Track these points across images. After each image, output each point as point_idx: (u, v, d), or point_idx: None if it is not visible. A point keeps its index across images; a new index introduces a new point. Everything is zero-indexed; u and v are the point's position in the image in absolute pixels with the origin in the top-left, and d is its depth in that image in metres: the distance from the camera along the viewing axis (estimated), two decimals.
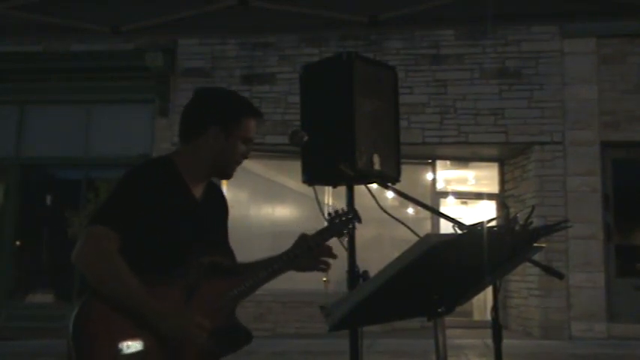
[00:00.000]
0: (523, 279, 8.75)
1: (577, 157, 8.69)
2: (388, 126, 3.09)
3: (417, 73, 8.92)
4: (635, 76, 8.76)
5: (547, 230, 1.93)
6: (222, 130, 2.25)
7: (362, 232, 2.74)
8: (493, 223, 1.74)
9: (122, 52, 9.07)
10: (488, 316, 2.26)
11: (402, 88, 3.43)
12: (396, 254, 1.64)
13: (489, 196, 10.37)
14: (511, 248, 1.87)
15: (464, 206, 10.94)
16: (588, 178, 8.65)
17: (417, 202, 2.58)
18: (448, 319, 1.95)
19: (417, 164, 9.72)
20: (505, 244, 1.81)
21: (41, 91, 9.77)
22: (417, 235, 1.92)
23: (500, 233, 1.76)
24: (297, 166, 3.04)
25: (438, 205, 9.82)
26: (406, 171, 3.24)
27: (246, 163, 2.49)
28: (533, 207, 2.10)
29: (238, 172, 2.40)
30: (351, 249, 2.86)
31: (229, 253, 2.31)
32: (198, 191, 2.29)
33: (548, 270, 2.22)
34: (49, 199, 10.28)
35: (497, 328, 2.18)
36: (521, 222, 1.78)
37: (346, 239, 2.74)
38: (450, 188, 10.65)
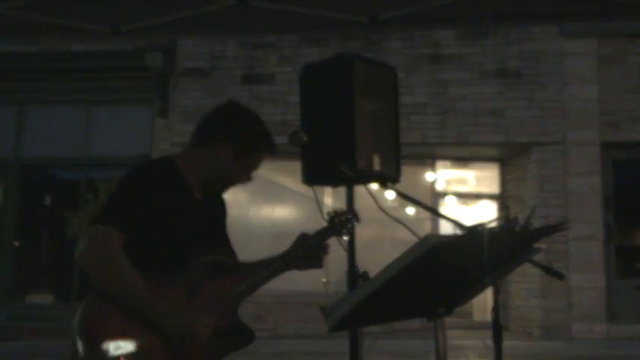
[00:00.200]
0: (523, 280, 8.73)
1: (577, 157, 8.68)
2: (388, 126, 3.08)
3: (417, 73, 8.92)
4: (635, 76, 8.75)
5: (547, 231, 1.93)
6: (231, 151, 2.24)
7: (362, 233, 2.73)
8: (493, 224, 1.74)
9: (122, 52, 9.06)
10: (489, 317, 2.26)
11: (402, 89, 3.42)
12: (396, 255, 1.63)
13: (489, 197, 10.37)
14: (511, 249, 1.87)
15: (464, 207, 10.93)
16: (589, 178, 8.64)
17: (417, 203, 2.58)
18: (448, 320, 1.95)
19: (417, 164, 9.70)
20: (505, 245, 1.81)
21: (41, 91, 9.77)
22: (417, 236, 1.92)
23: (500, 234, 1.76)
24: (297, 166, 3.04)
25: (437, 205, 9.81)
26: (406, 171, 3.23)
27: None
28: (533, 208, 2.10)
29: None
30: (351, 250, 2.86)
31: (231, 252, 2.33)
32: (198, 192, 2.29)
33: (548, 270, 2.21)
34: (48, 200, 10.29)
35: (497, 328, 2.17)
36: (521, 223, 1.77)
37: (346, 240, 2.74)
38: (450, 189, 10.64)
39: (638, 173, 9.19)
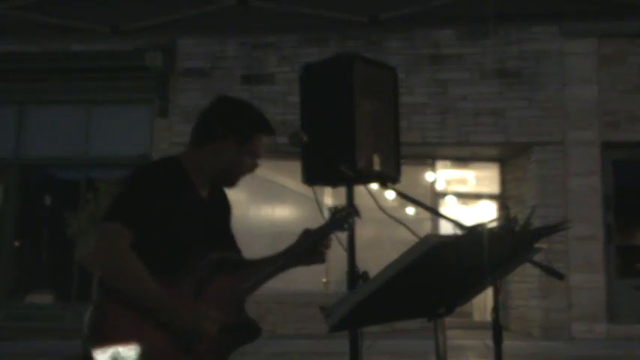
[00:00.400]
0: (523, 280, 8.73)
1: (577, 157, 8.68)
2: (388, 126, 3.08)
3: (417, 73, 8.92)
4: (635, 76, 8.76)
5: (547, 231, 1.93)
6: (233, 142, 2.27)
7: (362, 233, 2.73)
8: (493, 224, 1.74)
9: (122, 52, 9.06)
10: (489, 317, 2.26)
11: (402, 89, 3.42)
12: (396, 255, 1.63)
13: (489, 197, 10.37)
14: (511, 249, 1.87)
15: (464, 207, 10.93)
16: (589, 178, 8.64)
17: (417, 203, 2.58)
18: (448, 320, 1.95)
19: (417, 164, 9.70)
20: (505, 245, 1.81)
21: (41, 91, 9.76)
22: (417, 236, 1.92)
23: (500, 234, 1.76)
24: (297, 166, 3.04)
25: (437, 205, 9.81)
26: (406, 171, 3.23)
27: None
28: (533, 208, 2.10)
29: None
30: (351, 250, 2.86)
31: (236, 249, 2.37)
32: (204, 191, 2.32)
33: (548, 270, 2.21)
34: (48, 200, 10.29)
35: (497, 328, 2.17)
36: (521, 223, 1.77)
37: (346, 239, 2.74)
38: (450, 189, 10.64)
39: (638, 173, 9.19)
